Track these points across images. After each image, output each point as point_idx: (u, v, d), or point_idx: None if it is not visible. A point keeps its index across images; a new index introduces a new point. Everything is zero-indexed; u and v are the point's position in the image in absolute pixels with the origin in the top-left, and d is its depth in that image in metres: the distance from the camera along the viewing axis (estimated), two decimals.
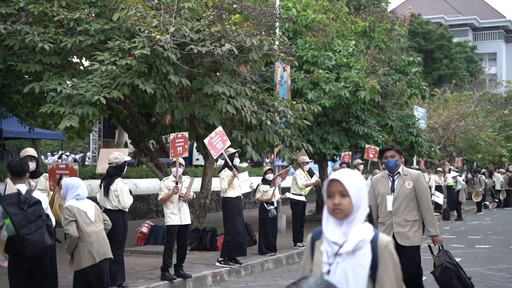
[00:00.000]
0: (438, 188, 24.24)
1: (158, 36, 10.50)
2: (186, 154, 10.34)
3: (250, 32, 12.26)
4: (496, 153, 34.40)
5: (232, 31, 11.92)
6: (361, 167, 16.61)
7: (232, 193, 11.07)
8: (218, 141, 11.20)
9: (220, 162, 17.12)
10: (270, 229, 12.50)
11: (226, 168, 11.19)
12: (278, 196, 13.07)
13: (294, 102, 14.57)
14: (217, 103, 12.08)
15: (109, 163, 9.16)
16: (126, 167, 9.40)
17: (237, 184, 11.18)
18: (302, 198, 13.74)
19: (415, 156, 20.88)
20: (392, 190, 7.38)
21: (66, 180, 7.34)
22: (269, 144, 14.40)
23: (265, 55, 12.82)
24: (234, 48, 11.46)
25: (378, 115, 19.60)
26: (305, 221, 14.29)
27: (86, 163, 35.22)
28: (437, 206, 24.03)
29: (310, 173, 19.00)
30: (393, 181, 7.42)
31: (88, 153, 35.99)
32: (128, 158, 9.46)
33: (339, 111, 17.61)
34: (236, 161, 11.35)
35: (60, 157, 34.87)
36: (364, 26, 18.95)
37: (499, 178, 31.26)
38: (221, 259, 11.05)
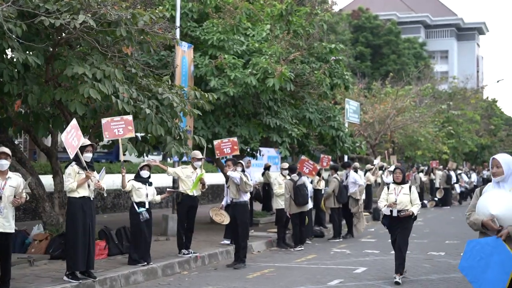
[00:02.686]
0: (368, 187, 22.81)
1: None
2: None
3: (119, 5, 10.48)
4: (436, 149, 33.25)
5: (96, 2, 10.13)
6: (285, 172, 15.08)
7: (77, 193, 9.22)
8: (73, 137, 9.36)
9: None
10: (142, 234, 10.70)
11: (74, 163, 9.32)
12: (156, 197, 11.27)
13: (186, 89, 12.81)
14: (79, 87, 10.24)
15: None
16: None
17: (89, 182, 9.32)
18: (192, 195, 11.97)
19: (337, 152, 19.24)
20: None
21: None
22: (153, 137, 12.58)
23: (141, 32, 11.02)
24: (90, 20, 9.64)
25: (296, 106, 17.96)
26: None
27: None
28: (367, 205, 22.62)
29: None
30: None
31: None
32: None
33: (248, 101, 15.88)
34: (87, 156, 9.46)
35: None
36: (280, 9, 17.24)
37: (439, 175, 30.01)
38: (68, 272, 9.20)
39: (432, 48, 79.67)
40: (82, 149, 9.38)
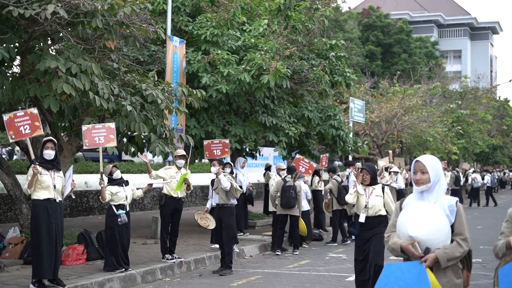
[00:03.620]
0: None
1: None
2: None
3: None
4: (446, 150, 32.40)
5: None
6: (283, 172, 14.46)
7: (41, 194, 8.60)
8: (25, 124, 8.89)
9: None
10: (119, 238, 10.06)
11: (37, 162, 8.71)
12: (137, 192, 10.64)
13: (173, 85, 12.18)
14: (53, 82, 9.63)
15: None
16: None
17: (50, 183, 8.68)
18: (176, 197, 11.33)
19: (338, 152, 18.52)
20: None
21: None
22: (139, 136, 11.94)
23: (121, 24, 10.39)
24: (61, 10, 9.04)
25: (295, 104, 17.28)
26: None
27: None
28: None
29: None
30: None
31: None
32: None
33: (242, 99, 15.22)
34: (47, 154, 8.81)
35: None
36: (278, 3, 16.55)
37: (447, 176, 29.17)
38: (34, 280, 8.59)
39: (445, 47, 78.76)
40: (42, 145, 8.80)
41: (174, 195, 11.24)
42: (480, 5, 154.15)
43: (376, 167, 10.30)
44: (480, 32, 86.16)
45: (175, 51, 14.60)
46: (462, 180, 30.55)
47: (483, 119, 40.58)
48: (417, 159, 4.70)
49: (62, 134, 12.16)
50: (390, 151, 24.47)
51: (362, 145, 19.64)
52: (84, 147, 10.19)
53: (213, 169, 11.38)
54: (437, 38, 78.14)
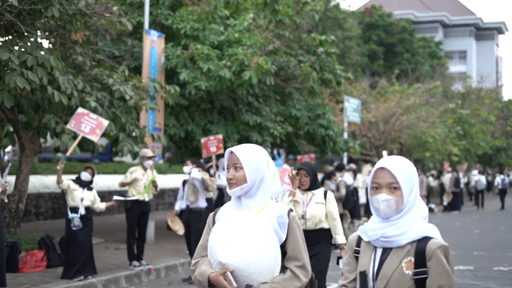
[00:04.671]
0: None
1: None
2: None
3: None
4: (446, 151, 31.53)
5: None
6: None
7: None
8: None
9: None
10: (77, 244, 9.33)
11: None
12: (100, 204, 9.90)
13: (144, 81, 11.48)
14: (6, 76, 8.93)
15: None
16: None
17: None
18: (141, 199, 10.61)
19: (327, 152, 17.73)
20: None
21: None
22: (109, 135, 11.23)
23: (83, 15, 9.69)
24: None
25: (282, 103, 16.53)
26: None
27: None
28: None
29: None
30: None
31: None
32: None
33: (225, 96, 14.48)
34: None
35: None
36: None
37: (447, 178, 28.30)
38: None
39: (450, 48, 77.97)
40: None
41: (141, 198, 10.52)
42: (485, 5, 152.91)
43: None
44: (486, 32, 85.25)
45: (153, 45, 13.90)
46: (463, 181, 29.75)
47: (486, 120, 39.64)
48: (229, 149, 3.29)
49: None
50: (384, 152, 23.57)
51: (353, 145, 18.82)
52: (68, 127, 9.55)
53: (186, 168, 10.69)
54: (442, 38, 77.25)
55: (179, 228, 10.80)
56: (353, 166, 19.88)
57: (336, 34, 35.26)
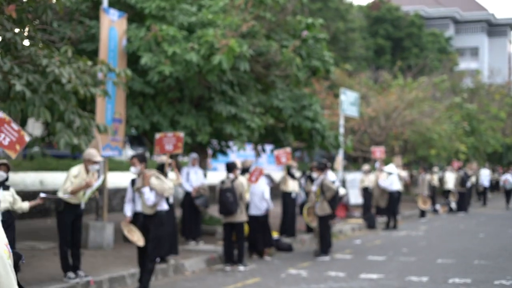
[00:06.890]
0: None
1: None
2: None
3: None
4: (453, 149, 29.74)
5: None
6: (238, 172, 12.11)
7: None
8: None
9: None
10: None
11: None
12: (22, 204, 8.38)
13: (88, 64, 9.92)
14: None
15: None
16: None
17: None
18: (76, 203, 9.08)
19: (315, 148, 16.11)
20: None
21: None
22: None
23: None
24: None
25: (264, 93, 14.96)
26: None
27: None
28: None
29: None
30: None
31: None
32: None
33: (194, 84, 12.91)
34: None
35: None
36: None
37: (450, 177, 26.53)
38: None
39: (462, 44, 76.21)
40: None
41: (77, 203, 9.00)
42: (497, 0, 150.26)
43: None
44: (498, 29, 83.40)
45: (112, 26, 12.34)
46: (472, 180, 28.02)
47: (496, 116, 37.77)
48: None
49: None
50: (372, 148, 21.44)
51: (345, 141, 17.19)
52: None
53: (133, 169, 9.12)
54: (454, 34, 75.39)
55: (137, 238, 9.05)
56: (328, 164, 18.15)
57: (338, 26, 33.61)
